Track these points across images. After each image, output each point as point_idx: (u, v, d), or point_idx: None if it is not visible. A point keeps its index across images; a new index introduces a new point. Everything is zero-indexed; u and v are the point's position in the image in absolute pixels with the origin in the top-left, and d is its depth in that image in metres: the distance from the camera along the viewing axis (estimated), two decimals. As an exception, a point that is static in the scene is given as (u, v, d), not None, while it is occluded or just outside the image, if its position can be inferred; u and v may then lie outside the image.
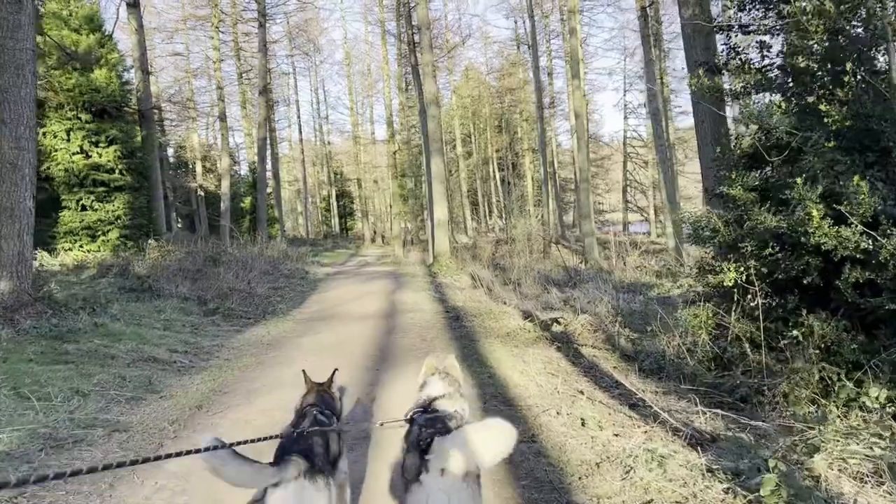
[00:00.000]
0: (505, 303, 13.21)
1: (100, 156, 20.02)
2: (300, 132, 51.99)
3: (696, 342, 7.78)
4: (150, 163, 22.18)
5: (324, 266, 24.54)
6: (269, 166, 41.07)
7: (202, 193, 43.00)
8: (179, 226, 44.35)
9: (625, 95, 48.24)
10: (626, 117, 45.53)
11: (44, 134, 19.38)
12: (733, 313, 6.90)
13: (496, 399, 6.46)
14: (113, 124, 20.39)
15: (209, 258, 17.48)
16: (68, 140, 19.69)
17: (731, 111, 11.28)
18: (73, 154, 19.63)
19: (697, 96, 9.71)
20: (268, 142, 39.29)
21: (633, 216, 48.29)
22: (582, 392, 6.65)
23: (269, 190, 41.46)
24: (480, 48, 58.68)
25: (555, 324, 9.85)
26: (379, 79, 41.71)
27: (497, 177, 49.83)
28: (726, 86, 7.74)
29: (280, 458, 2.70)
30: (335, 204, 54.33)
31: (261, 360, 8.58)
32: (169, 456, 2.36)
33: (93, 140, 20.00)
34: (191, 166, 44.32)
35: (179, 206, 43.55)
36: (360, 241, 47.37)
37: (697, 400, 5.66)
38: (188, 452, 2.36)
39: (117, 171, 20.26)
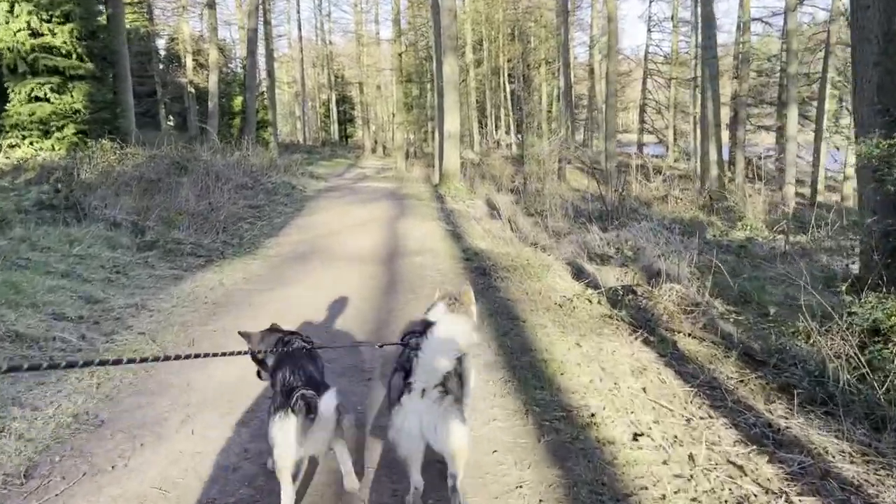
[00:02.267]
0: (538, 246, 10.07)
1: (53, 34, 16.33)
2: (300, 29, 47.40)
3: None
4: (117, 48, 18.44)
5: (317, 178, 21.19)
6: (263, 64, 37.04)
7: (192, 91, 38.98)
8: (171, 124, 40.60)
9: (650, 6, 43.64)
10: (649, 30, 41.14)
11: (-21, 4, 15.68)
12: None
13: (587, 486, 3.38)
14: (69, -4, 16.58)
15: (175, 165, 14.16)
16: (11, 12, 15.94)
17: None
18: (18, 31, 15.92)
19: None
20: (261, 35, 35.13)
21: (648, 137, 44.62)
22: (741, 469, 3.59)
23: (262, 90, 37.60)
24: (497, -53, 53.28)
25: (629, 294, 6.72)
26: (387, -27, 37.15)
27: (507, 89, 45.73)
28: None
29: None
30: (335, 109, 50.24)
31: (191, 337, 5.49)
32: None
33: (43, 16, 16.25)
34: (183, 61, 40.12)
35: (169, 104, 39.66)
36: (359, 150, 43.70)
37: None
38: None
39: (75, 56, 16.61)
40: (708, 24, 18.12)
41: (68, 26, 16.42)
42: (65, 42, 16.32)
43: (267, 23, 34.33)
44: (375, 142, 46.38)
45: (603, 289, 6.78)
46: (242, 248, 9.34)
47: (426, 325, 2.95)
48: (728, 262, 10.07)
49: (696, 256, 8.47)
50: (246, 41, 26.08)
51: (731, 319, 6.54)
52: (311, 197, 16.03)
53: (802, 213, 16.66)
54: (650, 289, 6.78)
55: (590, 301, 6.66)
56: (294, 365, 2.98)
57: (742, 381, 5.03)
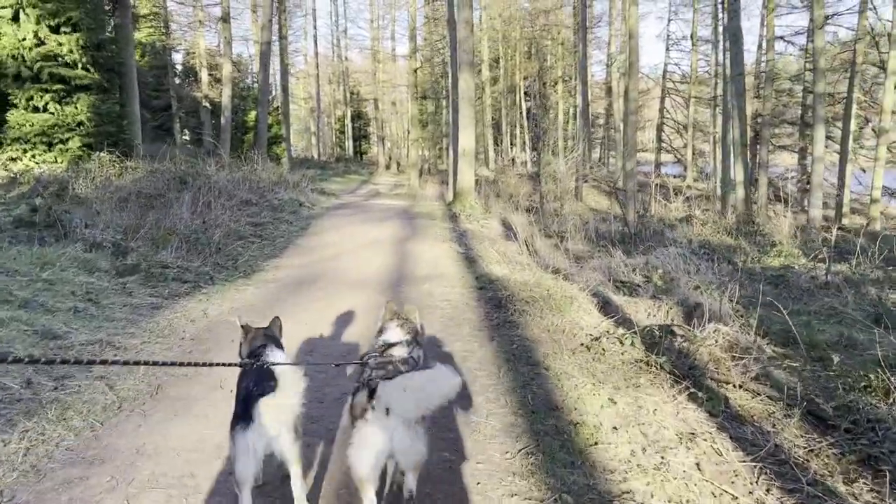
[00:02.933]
0: (560, 273, 9.16)
1: (58, 44, 15.69)
2: (316, 45, 46.97)
3: None
4: (125, 59, 17.81)
5: (327, 195, 20.41)
6: (278, 79, 36.59)
7: (208, 105, 38.50)
8: (187, 139, 40.16)
9: (668, 24, 42.66)
10: (668, 49, 40.24)
11: (-17, 12, 15.09)
12: None
13: None
14: (76, 5, 15.94)
15: (176, 180, 13.40)
16: (16, 21, 15.33)
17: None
18: (23, 39, 15.30)
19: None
20: (277, 50, 34.64)
21: (665, 157, 43.63)
22: None
23: (276, 105, 37.10)
24: (514, -35, 52.78)
25: (668, 336, 5.79)
26: (403, -12, 36.61)
27: (523, 106, 44.97)
28: None
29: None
30: (350, 125, 49.68)
31: (157, 383, 4.62)
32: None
33: (49, 23, 15.64)
34: (199, 75, 39.69)
35: (185, 118, 39.16)
36: (373, 166, 43.03)
37: None
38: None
39: (80, 66, 15.96)
40: (735, 39, 17.23)
41: (75, 36, 15.79)
42: (70, 51, 15.68)
43: (282, 37, 33.82)
44: (390, 158, 45.69)
45: (637, 328, 5.85)
46: (237, 272, 8.51)
47: (386, 346, 3.15)
48: (765, 294, 9.14)
49: (738, 289, 7.51)
50: (259, 55, 25.40)
51: (784, 365, 5.61)
52: (318, 215, 15.22)
53: (840, 239, 15.65)
54: (690, 329, 5.84)
55: (621, 342, 5.73)
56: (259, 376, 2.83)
57: (812, 450, 4.10)
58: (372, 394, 2.66)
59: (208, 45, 40.12)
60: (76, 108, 15.94)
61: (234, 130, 34.37)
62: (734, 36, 17.27)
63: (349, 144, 50.54)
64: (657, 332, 5.88)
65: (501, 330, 6.19)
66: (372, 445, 2.62)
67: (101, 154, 13.78)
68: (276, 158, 32.99)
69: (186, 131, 41.13)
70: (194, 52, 40.21)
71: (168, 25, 37.90)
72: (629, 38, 22.63)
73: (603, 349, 5.65)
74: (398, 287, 8.04)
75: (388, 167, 43.20)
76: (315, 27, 46.39)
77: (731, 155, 32.37)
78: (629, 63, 22.49)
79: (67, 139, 15.76)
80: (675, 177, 39.18)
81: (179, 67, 41.78)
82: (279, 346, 3.33)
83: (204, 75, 37.85)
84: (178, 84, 39.89)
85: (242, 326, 3.47)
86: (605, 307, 7.35)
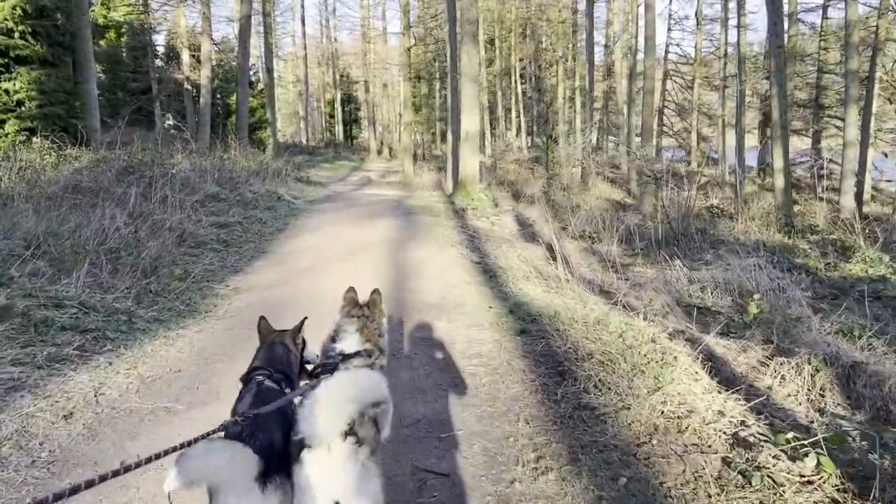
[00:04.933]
0: (611, 295, 6.63)
1: (-11, 9, 12.92)
2: (303, 25, 43.78)
3: None
4: (77, 30, 14.94)
5: (313, 185, 17.73)
6: (262, 59, 33.71)
7: (190, 87, 35.50)
8: (171, 123, 37.18)
9: (670, 3, 39.88)
10: (669, 28, 37.53)
11: None
12: None
13: None
14: (12, -37, 13.13)
15: (127, 171, 10.74)
16: (-65, -19, 12.56)
17: None
18: (-56, 3, 12.53)
19: None
20: (261, 28, 31.83)
21: (667, 141, 41.09)
22: None
23: (261, 87, 34.27)
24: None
25: (881, 448, 3.26)
26: (395, -35, 33.70)
27: (519, 90, 42.27)
28: None
29: None
30: (339, 109, 46.63)
31: None
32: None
33: (-24, -14, 12.86)
34: (181, 56, 36.61)
35: (166, 102, 36.13)
36: (364, 152, 40.20)
37: None
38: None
39: (18, 35, 13.18)
40: (774, 7, 14.68)
41: (10, 1, 12.99)
42: (5, 18, 12.89)
43: (266, 14, 30.89)
44: (381, 143, 42.92)
45: (818, 434, 3.33)
46: (176, 302, 5.91)
47: (341, 359, 2.43)
48: (881, 317, 6.72)
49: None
50: (238, 30, 22.57)
51: None
52: (300, 211, 12.56)
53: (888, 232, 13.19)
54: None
55: (791, 457, 3.22)
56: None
57: None
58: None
59: (190, 24, 37.10)
60: (14, 84, 13.18)
61: (216, 114, 31.57)
62: (773, 4, 14.68)
63: (339, 129, 47.54)
64: (853, 439, 3.37)
65: (579, 430, 3.64)
66: (312, 493, 1.92)
67: (36, 139, 11.06)
68: (261, 144, 30.21)
69: (170, 116, 38.20)
70: (176, 33, 37.17)
71: (147, 3, 34.83)
72: (645, 10, 20.02)
73: (770, 478, 3.14)
74: (398, 329, 5.48)
75: (379, 152, 40.43)
76: (303, 6, 43.29)
77: (746, 139, 30.00)
78: (645, 38, 19.92)
79: (3, 121, 13.01)
80: (678, 162, 36.69)
81: (161, 49, 38.72)
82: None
83: (185, 56, 34.77)
84: (160, 66, 36.90)
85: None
86: (710, 361, 4.85)
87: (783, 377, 4.55)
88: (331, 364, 2.41)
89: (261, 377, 2.32)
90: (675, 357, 4.71)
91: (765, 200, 18.83)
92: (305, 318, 2.85)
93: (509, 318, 5.71)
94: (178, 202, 9.96)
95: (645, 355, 4.67)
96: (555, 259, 8.56)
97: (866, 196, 24.78)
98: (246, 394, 2.25)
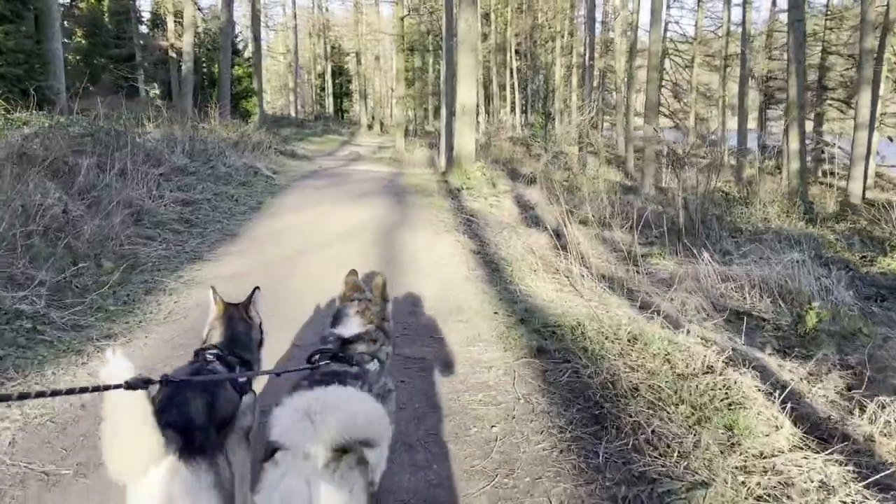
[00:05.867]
0: (635, 295, 5.48)
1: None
2: (294, -7, 41.84)
3: None
4: (38, -19, 13.45)
5: (298, 158, 16.42)
6: (247, 24, 32.10)
7: (175, 55, 33.74)
8: (157, 93, 35.46)
9: (670, -21, 38.34)
10: (668, 6, 36.03)
11: None
12: None
13: None
14: None
15: (87, 139, 9.43)
16: None
17: None
18: None
19: None
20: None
21: (662, 122, 39.83)
22: None
23: (247, 56, 32.67)
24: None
25: None
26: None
27: (514, 65, 40.76)
28: None
29: None
30: (330, 82, 44.85)
31: None
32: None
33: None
34: (165, 22, 34.77)
35: (150, 70, 34.34)
36: (355, 126, 38.64)
37: None
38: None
39: (-32, -13, 11.74)
40: (797, -22, 13.42)
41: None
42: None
43: (253, -22, 29.15)
44: (373, 117, 41.41)
45: None
46: (104, 305, 4.67)
47: (341, 343, 2.12)
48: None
49: None
50: (221, -7, 21.00)
51: None
52: (280, 188, 11.25)
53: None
54: None
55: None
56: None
57: None
58: None
59: (175, -11, 35.23)
60: (-35, 42, 11.76)
61: (201, 83, 29.97)
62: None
63: (329, 102, 45.81)
64: None
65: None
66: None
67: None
68: (247, 115, 28.70)
69: (155, 85, 36.48)
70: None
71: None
72: (653, -21, 18.65)
73: None
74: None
75: (370, 127, 38.91)
76: (292, -26, 41.35)
77: (747, 119, 28.83)
78: (651, 10, 18.57)
79: (-46, 82, 11.61)
80: (675, 143, 35.46)
81: (147, 15, 36.84)
82: None
83: (170, 23, 33.03)
84: (145, 33, 35.08)
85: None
86: (775, 389, 3.69)
87: (890, 424, 3.40)
88: (328, 350, 2.09)
89: (210, 356, 2.13)
90: (743, 392, 3.56)
91: (773, 184, 17.76)
92: (257, 287, 2.57)
93: (521, 329, 4.52)
94: (140, 175, 8.69)
95: (704, 391, 3.52)
96: (564, 248, 7.40)
97: (868, 181, 23.76)
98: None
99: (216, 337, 2.32)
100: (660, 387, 3.49)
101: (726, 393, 3.51)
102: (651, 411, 3.27)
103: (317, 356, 2.07)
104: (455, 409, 3.34)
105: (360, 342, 2.15)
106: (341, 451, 1.57)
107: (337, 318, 2.30)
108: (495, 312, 4.97)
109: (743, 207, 11.89)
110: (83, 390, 1.61)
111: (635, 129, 31.29)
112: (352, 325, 2.22)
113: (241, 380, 2.12)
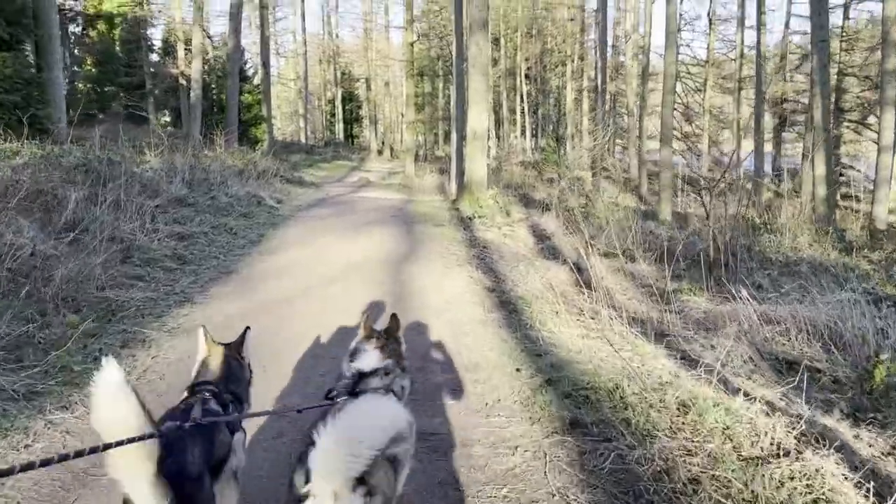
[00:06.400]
0: (666, 341, 4.82)
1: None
2: (303, 21, 41.76)
3: None
4: (41, 10, 13.06)
5: (304, 186, 15.87)
6: (256, 50, 31.89)
7: (184, 83, 33.55)
8: (167, 120, 35.27)
9: (681, 2, 37.86)
10: (679, 29, 35.60)
11: None
12: None
13: None
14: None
15: (80, 170, 8.91)
16: None
17: None
18: None
19: None
20: (257, 20, 30.01)
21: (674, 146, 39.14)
22: None
23: (257, 82, 32.37)
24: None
25: None
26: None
27: (524, 90, 40.39)
28: None
29: None
30: (340, 107, 44.62)
31: None
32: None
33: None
34: (176, 50, 34.65)
35: (161, 97, 34.13)
36: (365, 151, 38.26)
37: None
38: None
39: (-35, 13, 11.33)
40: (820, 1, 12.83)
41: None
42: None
43: (263, 6, 28.95)
44: (383, 143, 41.03)
45: None
46: (69, 363, 4.02)
47: (358, 378, 2.19)
48: None
49: None
50: (229, 17, 20.65)
51: None
52: (282, 218, 10.65)
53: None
54: None
55: None
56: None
57: None
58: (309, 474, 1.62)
59: (186, 16, 35.19)
60: (-40, 69, 11.33)
61: (210, 110, 29.60)
62: (817, -4, 12.85)
63: (339, 128, 45.55)
64: None
65: None
66: None
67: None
68: (257, 141, 28.31)
69: (166, 112, 36.31)
70: (172, 26, 35.26)
71: (144, -7, 32.87)
72: (667, 3, 18.15)
73: None
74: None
75: (380, 152, 38.51)
76: (303, 1, 41.30)
77: (763, 142, 28.15)
78: (666, 34, 18.02)
79: (-52, 111, 11.16)
80: (687, 167, 34.81)
81: (158, 43, 36.78)
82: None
83: (180, 50, 32.90)
84: (156, 61, 34.95)
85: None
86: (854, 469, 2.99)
87: None
88: (347, 386, 2.15)
89: (207, 394, 2.10)
90: (829, 484, 2.86)
91: (792, 208, 17.01)
92: (248, 327, 2.54)
93: (548, 393, 3.84)
94: (134, 208, 8.13)
95: (781, 484, 2.82)
96: (587, 284, 6.73)
97: (892, 204, 22.95)
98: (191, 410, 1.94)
99: (208, 375, 2.28)
100: (727, 479, 2.81)
101: (808, 486, 2.82)
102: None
103: (333, 392, 2.11)
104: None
105: (375, 376, 2.20)
106: (363, 483, 1.59)
107: (355, 353, 2.36)
108: (517, 369, 4.30)
109: (770, 235, 11.16)
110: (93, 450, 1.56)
111: (648, 152, 30.76)
112: (371, 360, 2.29)
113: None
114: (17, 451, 2.97)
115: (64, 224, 6.95)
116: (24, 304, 4.50)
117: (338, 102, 44.76)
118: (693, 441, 3.18)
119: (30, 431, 3.15)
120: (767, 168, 29.54)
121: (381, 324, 2.59)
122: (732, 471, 2.89)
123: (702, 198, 11.53)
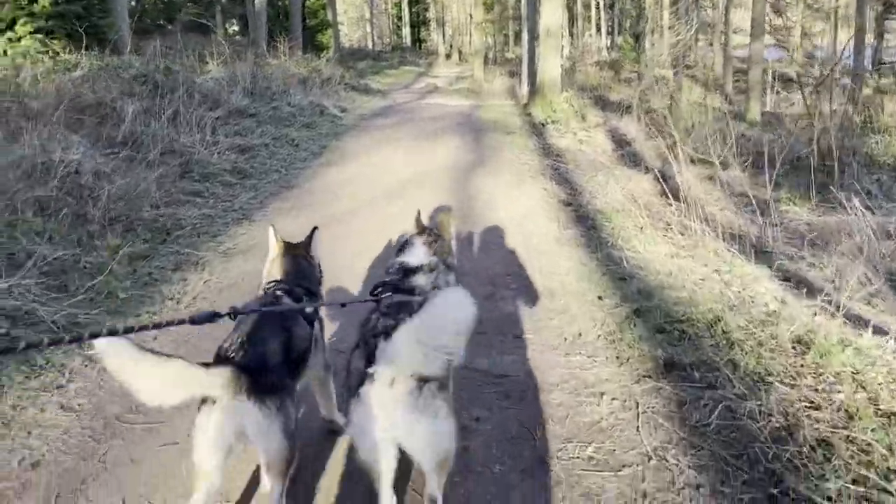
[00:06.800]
0: (774, 262, 4.19)
1: None
2: (368, -83, 39.77)
3: None
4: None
5: (370, 94, 15.26)
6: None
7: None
8: (236, 29, 34.80)
9: None
10: None
11: None
12: None
13: None
14: None
15: (138, 80, 8.63)
16: None
17: None
18: None
19: None
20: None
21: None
22: None
23: (321, -14, 31.20)
24: None
25: None
26: None
27: (600, -19, 37.63)
28: None
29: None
30: (407, 10, 42.97)
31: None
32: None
33: None
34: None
35: (228, 6, 33.53)
36: (432, 56, 36.93)
37: None
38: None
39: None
40: None
41: None
42: None
43: None
44: (451, 46, 39.41)
45: None
46: (114, 289, 3.77)
47: (404, 273, 2.20)
48: None
49: None
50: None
51: None
52: (346, 128, 10.18)
53: None
54: None
55: None
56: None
57: None
58: (371, 358, 1.71)
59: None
60: (24, -20, 11.04)
61: (276, 17, 28.91)
62: None
63: (406, 32, 44.01)
64: None
65: None
66: (370, 432, 1.67)
67: (26, 41, 8.99)
68: (323, 48, 27.59)
69: (234, 21, 35.79)
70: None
71: None
72: None
73: None
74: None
75: (448, 56, 37.08)
76: None
77: (865, 32, 25.34)
78: None
79: (13, 20, 10.96)
80: (778, 62, 32.00)
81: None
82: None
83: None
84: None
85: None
86: None
87: None
88: (390, 283, 2.12)
89: (280, 292, 2.14)
90: None
91: (892, 105, 15.21)
92: (316, 227, 2.58)
93: (637, 327, 3.31)
94: (194, 120, 7.82)
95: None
96: (674, 195, 6.04)
97: None
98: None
99: (278, 273, 2.30)
100: (865, 442, 2.26)
101: None
102: (861, 487, 2.07)
103: (379, 289, 2.09)
104: (555, 475, 2.24)
105: (419, 273, 2.18)
106: (423, 379, 1.63)
107: (403, 247, 2.35)
108: (599, 297, 3.78)
109: (876, 136, 9.92)
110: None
111: (734, 48, 28.28)
112: (416, 255, 2.27)
113: (308, 310, 2.13)
114: (49, 392, 2.72)
115: (121, 139, 6.71)
116: (72, 226, 4.26)
117: (404, 5, 43.08)
118: (817, 390, 2.63)
119: (66, 370, 2.91)
120: (867, 62, 26.71)
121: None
122: (872, 429, 2.34)
123: (804, 95, 10.29)
